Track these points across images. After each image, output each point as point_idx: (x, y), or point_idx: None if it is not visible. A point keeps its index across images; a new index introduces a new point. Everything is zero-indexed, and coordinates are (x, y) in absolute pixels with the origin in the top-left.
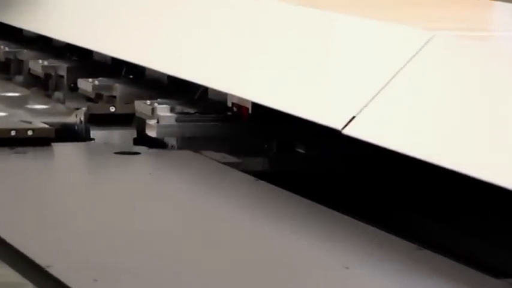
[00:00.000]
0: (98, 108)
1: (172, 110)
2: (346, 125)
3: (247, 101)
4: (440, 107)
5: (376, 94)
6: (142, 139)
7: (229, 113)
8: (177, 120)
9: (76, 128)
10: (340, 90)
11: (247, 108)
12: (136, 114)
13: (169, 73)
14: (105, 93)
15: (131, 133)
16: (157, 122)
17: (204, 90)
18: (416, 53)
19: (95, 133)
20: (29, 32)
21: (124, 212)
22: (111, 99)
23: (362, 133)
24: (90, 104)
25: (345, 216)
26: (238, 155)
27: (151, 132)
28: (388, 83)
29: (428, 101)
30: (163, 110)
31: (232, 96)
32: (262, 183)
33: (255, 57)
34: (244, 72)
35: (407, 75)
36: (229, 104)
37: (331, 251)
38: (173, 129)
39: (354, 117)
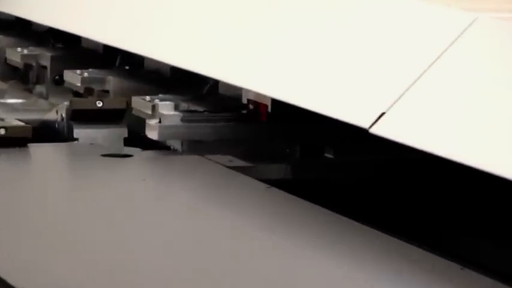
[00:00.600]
0: (82, 103)
1: (176, 108)
2: (374, 123)
3: (265, 97)
4: (486, 102)
5: (410, 87)
6: (134, 139)
7: (244, 112)
8: (182, 120)
9: (57, 126)
10: (368, 82)
11: (266, 106)
12: (134, 113)
13: (173, 64)
14: (96, 87)
15: (122, 132)
16: (159, 122)
17: (213, 84)
18: (456, 38)
19: (78, 132)
20: (5, 14)
21: (112, 224)
22: (104, 94)
23: (393, 132)
24: (73, 98)
25: (371, 229)
26: (254, 160)
27: (152, 134)
28: (423, 73)
29: (471, 95)
30: (166, 107)
31: (248, 91)
32: (276, 191)
33: (273, 47)
34: (261, 64)
35: (446, 64)
36: (245, 101)
37: (354, 267)
38: (178, 131)
39: (383, 114)
